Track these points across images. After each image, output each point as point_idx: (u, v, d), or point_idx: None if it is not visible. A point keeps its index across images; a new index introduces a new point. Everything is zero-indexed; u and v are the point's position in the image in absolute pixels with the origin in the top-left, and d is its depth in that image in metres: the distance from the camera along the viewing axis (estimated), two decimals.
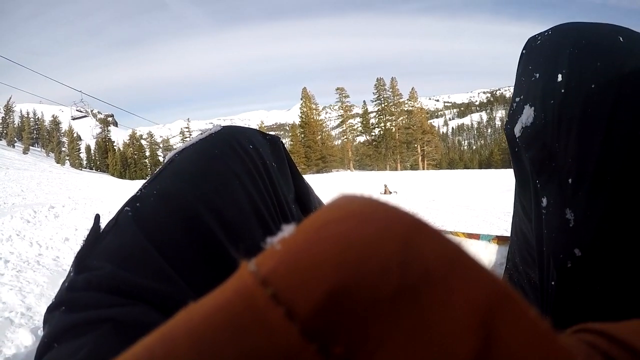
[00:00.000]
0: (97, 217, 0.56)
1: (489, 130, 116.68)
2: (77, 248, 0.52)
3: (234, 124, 0.73)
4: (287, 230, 0.18)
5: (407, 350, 0.14)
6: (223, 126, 0.70)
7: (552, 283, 0.56)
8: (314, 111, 58.29)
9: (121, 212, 0.56)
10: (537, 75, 0.58)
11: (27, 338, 2.27)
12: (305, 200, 0.81)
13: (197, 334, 0.15)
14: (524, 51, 0.64)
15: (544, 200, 0.55)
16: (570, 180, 0.52)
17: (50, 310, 0.48)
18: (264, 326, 0.15)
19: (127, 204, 0.57)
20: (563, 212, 0.52)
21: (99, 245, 0.52)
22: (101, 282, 0.47)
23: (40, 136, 54.52)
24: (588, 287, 0.52)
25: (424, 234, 0.17)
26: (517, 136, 0.60)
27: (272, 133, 0.79)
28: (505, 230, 5.16)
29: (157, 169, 0.63)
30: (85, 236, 0.54)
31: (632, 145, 0.48)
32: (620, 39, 0.53)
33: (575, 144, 0.51)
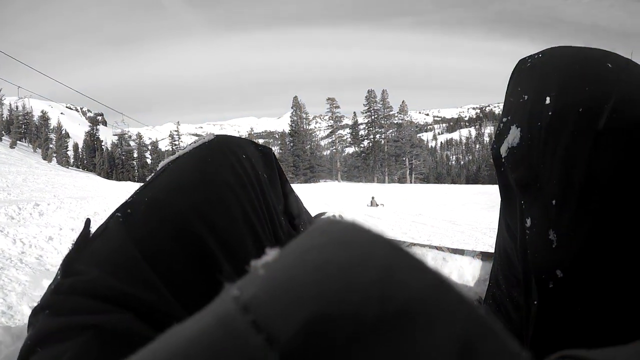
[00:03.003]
0: (88, 221, 0.56)
1: (477, 146, 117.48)
2: (61, 248, 0.55)
3: (226, 133, 0.74)
4: (271, 254, 0.18)
5: None
6: (216, 135, 0.71)
7: (535, 302, 0.56)
8: (304, 120, 58.38)
9: (112, 217, 0.56)
10: (526, 96, 0.58)
11: (6, 338, 2.25)
12: (294, 212, 0.82)
13: (179, 358, 0.15)
14: (513, 72, 0.65)
15: (528, 221, 0.55)
16: (554, 202, 0.52)
17: (35, 312, 0.48)
18: (244, 352, 0.15)
19: (119, 209, 0.56)
20: (546, 233, 0.52)
21: (88, 249, 0.52)
22: (87, 287, 0.47)
23: (29, 131, 53.85)
24: (569, 308, 0.52)
25: (405, 263, 0.17)
26: (503, 156, 0.60)
27: (262, 141, 0.81)
28: (490, 246, 5.20)
29: (150, 176, 0.63)
30: (75, 239, 0.54)
31: (616, 171, 0.48)
32: (609, 64, 0.54)
33: (560, 167, 0.52)
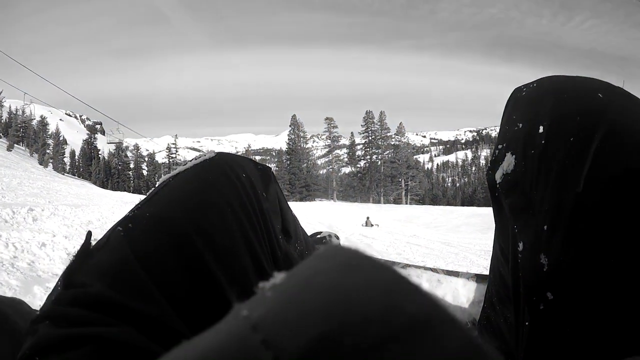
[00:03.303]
0: (89, 234, 0.56)
1: (474, 169, 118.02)
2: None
3: (223, 149, 0.75)
4: (278, 277, 0.20)
5: None
6: (217, 152, 0.72)
7: (526, 323, 0.57)
8: (302, 139, 58.63)
9: (113, 231, 0.56)
10: (520, 125, 0.60)
11: None
12: (291, 231, 0.83)
13: None
14: (509, 100, 0.67)
15: (521, 245, 0.57)
16: (545, 228, 0.54)
17: (34, 322, 0.48)
18: None
19: (120, 224, 0.57)
20: (538, 257, 0.54)
21: (89, 262, 0.52)
22: (89, 299, 0.47)
23: (27, 135, 53.74)
24: (559, 329, 0.53)
25: (405, 288, 0.18)
26: (497, 182, 0.62)
27: (259, 158, 0.82)
28: (485, 268, 5.20)
29: (151, 191, 0.64)
30: (75, 251, 0.54)
31: (604, 198, 0.50)
32: (600, 95, 0.56)
33: (552, 194, 0.54)
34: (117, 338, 0.45)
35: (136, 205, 0.61)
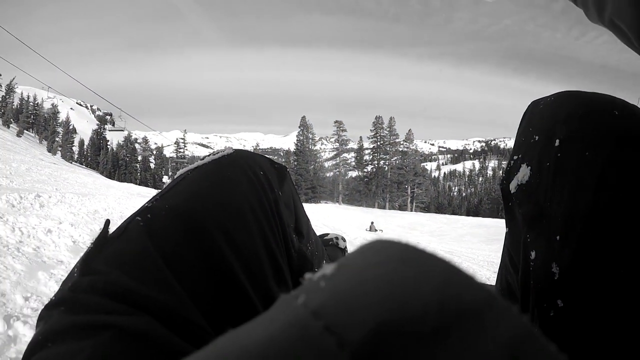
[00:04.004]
0: (107, 222, 0.56)
1: (480, 179, 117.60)
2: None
3: (232, 146, 0.76)
4: (328, 268, 0.20)
5: None
6: (235, 149, 0.73)
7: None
8: (310, 141, 58.71)
9: (131, 220, 0.56)
10: (537, 137, 0.62)
11: None
12: (304, 231, 0.84)
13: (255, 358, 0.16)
14: (526, 113, 0.69)
15: (533, 254, 0.58)
16: (558, 238, 0.55)
17: (49, 307, 0.47)
18: (318, 354, 0.16)
19: (138, 214, 0.57)
20: (549, 266, 0.55)
21: (107, 250, 0.52)
22: (106, 287, 0.47)
23: (37, 122, 54.10)
24: (568, 336, 0.54)
25: (460, 277, 0.18)
26: (512, 192, 0.64)
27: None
28: (487, 279, 5.18)
29: (168, 183, 0.64)
30: (93, 239, 0.53)
31: (616, 210, 0.52)
32: (615, 112, 0.57)
33: (566, 205, 0.55)
34: (136, 328, 0.44)
35: (154, 197, 0.61)
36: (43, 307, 0.48)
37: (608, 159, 0.54)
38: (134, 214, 0.58)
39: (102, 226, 0.55)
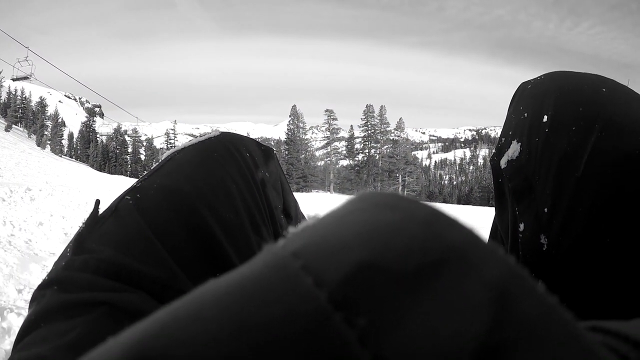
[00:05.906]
0: (97, 202, 0.56)
1: (471, 167, 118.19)
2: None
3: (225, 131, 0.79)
4: (310, 219, 0.19)
5: (426, 324, 0.15)
6: (222, 132, 0.74)
7: None
8: (301, 130, 58.52)
9: (121, 200, 0.56)
10: (526, 114, 0.63)
11: None
12: (292, 213, 0.86)
13: (226, 299, 0.16)
14: (516, 93, 0.71)
15: (522, 226, 0.61)
16: (545, 210, 0.57)
17: (41, 287, 0.47)
18: (294, 293, 0.15)
19: (127, 193, 0.57)
20: (538, 237, 0.57)
21: (99, 229, 0.52)
22: (99, 265, 0.47)
23: (25, 116, 53.46)
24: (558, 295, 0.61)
25: (443, 220, 0.18)
26: (502, 167, 0.66)
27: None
28: None
29: (155, 165, 0.65)
30: (84, 219, 0.53)
31: (603, 182, 0.53)
32: (603, 89, 0.59)
33: (553, 179, 0.57)
34: (129, 303, 0.44)
35: (142, 177, 0.61)
36: (36, 287, 0.48)
37: (595, 132, 0.54)
38: (123, 193, 0.58)
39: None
